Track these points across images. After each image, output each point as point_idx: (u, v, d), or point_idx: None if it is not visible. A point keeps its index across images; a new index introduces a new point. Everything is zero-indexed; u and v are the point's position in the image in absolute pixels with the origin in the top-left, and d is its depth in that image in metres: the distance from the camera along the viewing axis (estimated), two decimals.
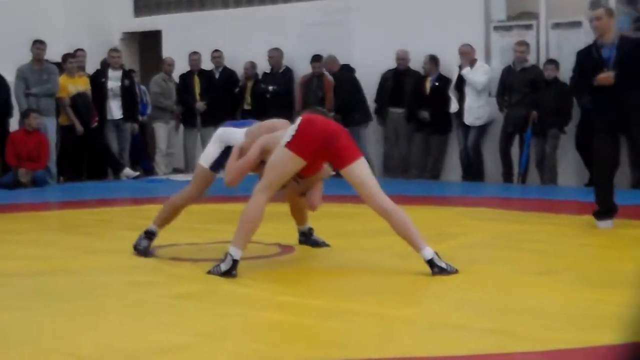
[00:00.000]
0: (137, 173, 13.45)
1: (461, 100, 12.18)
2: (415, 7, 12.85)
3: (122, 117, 13.41)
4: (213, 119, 14.01)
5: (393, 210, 5.73)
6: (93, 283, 5.62)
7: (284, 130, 5.94)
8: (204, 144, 13.70)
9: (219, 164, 6.34)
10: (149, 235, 6.41)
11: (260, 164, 5.93)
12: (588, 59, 7.73)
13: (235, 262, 5.58)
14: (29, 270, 6.04)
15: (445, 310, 4.74)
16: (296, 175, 5.88)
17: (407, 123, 12.89)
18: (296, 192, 6.26)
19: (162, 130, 13.93)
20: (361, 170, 5.76)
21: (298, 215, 6.79)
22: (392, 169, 13.08)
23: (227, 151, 6.25)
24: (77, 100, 12.89)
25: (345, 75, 13.15)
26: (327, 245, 6.75)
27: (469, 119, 12.15)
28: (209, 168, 6.34)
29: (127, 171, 13.28)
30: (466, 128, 12.25)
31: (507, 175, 11.96)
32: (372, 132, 13.23)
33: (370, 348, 4.05)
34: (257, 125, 6.34)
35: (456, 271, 5.60)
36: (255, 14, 14.56)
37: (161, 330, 4.39)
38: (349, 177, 5.78)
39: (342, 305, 4.89)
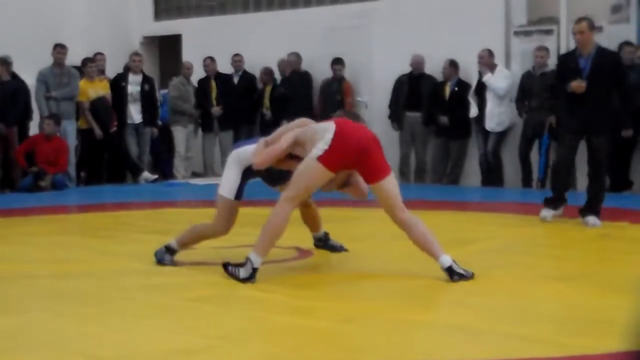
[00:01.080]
0: (156, 176, 13.48)
1: (482, 105, 12.15)
2: (435, 11, 12.83)
3: (141, 121, 13.45)
4: (231, 123, 14.08)
5: (415, 224, 5.74)
6: (113, 286, 5.64)
7: (313, 124, 5.89)
8: (222, 148, 13.82)
9: (242, 191, 6.10)
10: (170, 250, 6.28)
11: (288, 158, 5.88)
12: (566, 66, 8.28)
13: (254, 270, 5.58)
14: (49, 273, 6.07)
15: (464, 315, 4.73)
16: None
17: (425, 127, 12.88)
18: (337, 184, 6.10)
19: (181, 134, 13.96)
20: (388, 186, 5.71)
21: (311, 222, 6.70)
22: (408, 174, 13.07)
23: (247, 173, 6.09)
24: (97, 105, 12.94)
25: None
26: (345, 250, 6.75)
27: (490, 124, 12.12)
28: (234, 199, 6.07)
29: (146, 174, 13.32)
30: (486, 133, 12.21)
31: (527, 181, 11.92)
32: (387, 136, 13.22)
33: (389, 352, 4.05)
34: (282, 127, 6.19)
35: (473, 275, 5.59)
36: (275, 18, 14.58)
37: (181, 333, 4.40)
38: (377, 191, 5.75)
39: (361, 310, 4.89)
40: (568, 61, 8.30)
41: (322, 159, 5.56)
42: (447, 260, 5.62)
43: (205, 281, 5.69)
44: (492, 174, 12.24)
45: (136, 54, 13.95)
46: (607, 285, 5.50)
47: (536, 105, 11.73)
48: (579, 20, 8.30)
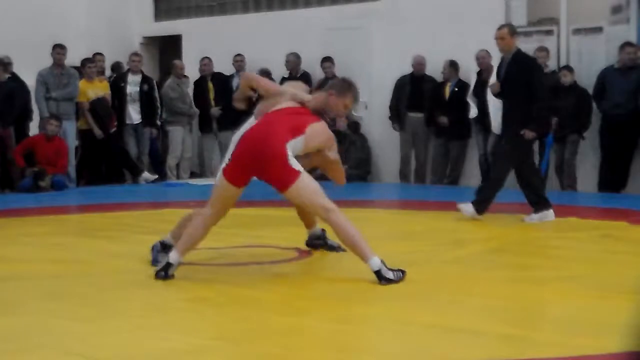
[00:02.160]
0: (156, 176, 13.48)
1: (483, 106, 12.14)
2: (435, 12, 12.84)
3: (140, 121, 13.45)
4: (230, 124, 14.06)
5: (343, 224, 5.60)
6: (113, 286, 5.64)
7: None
8: (222, 148, 13.82)
9: None
10: (165, 247, 6.24)
11: (305, 157, 5.84)
12: (498, 69, 8.89)
13: (168, 265, 5.63)
14: (48, 273, 6.07)
15: (464, 316, 4.73)
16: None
17: (427, 127, 12.89)
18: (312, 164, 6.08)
19: (177, 135, 13.93)
20: (300, 191, 5.56)
21: (306, 217, 6.60)
22: (408, 174, 13.08)
23: None
24: (96, 105, 12.94)
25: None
26: (343, 250, 6.72)
27: (495, 125, 12.12)
28: None
29: (146, 175, 13.31)
30: (486, 134, 12.21)
31: None
32: (387, 136, 13.24)
33: (388, 353, 4.05)
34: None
35: (403, 276, 5.51)
36: (276, 18, 14.59)
37: (180, 333, 4.40)
38: (290, 198, 5.69)
39: (360, 310, 4.90)
40: (500, 65, 8.80)
41: (224, 171, 5.62)
42: (376, 263, 5.49)
43: (204, 281, 5.69)
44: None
45: (135, 54, 13.96)
46: (607, 285, 5.49)
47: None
48: (501, 26, 8.71)
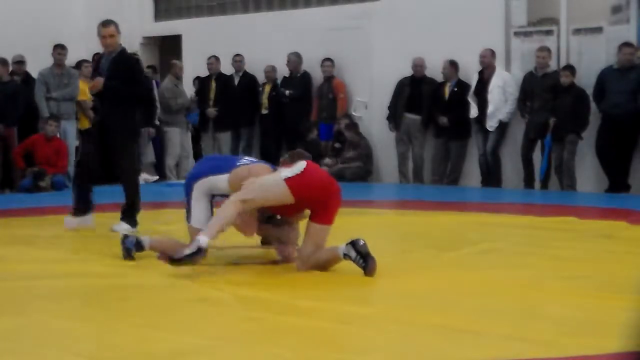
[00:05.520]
0: (156, 177, 13.47)
1: (482, 105, 12.15)
2: (435, 12, 12.84)
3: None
4: (230, 124, 14.06)
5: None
6: (112, 286, 5.64)
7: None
8: (220, 148, 13.85)
9: None
10: (138, 245, 6.39)
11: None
12: (94, 65, 8.64)
13: (200, 249, 5.66)
14: (48, 274, 6.06)
15: (465, 317, 4.73)
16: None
17: (424, 129, 12.91)
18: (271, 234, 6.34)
19: (175, 135, 13.92)
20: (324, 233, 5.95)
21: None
22: (406, 173, 13.10)
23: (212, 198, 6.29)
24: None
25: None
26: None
27: (490, 124, 12.15)
28: None
29: (145, 176, 13.30)
30: (485, 133, 12.22)
31: (529, 181, 11.92)
32: (387, 136, 13.25)
33: (389, 353, 4.04)
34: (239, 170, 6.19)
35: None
36: (276, 18, 14.59)
37: (181, 333, 4.40)
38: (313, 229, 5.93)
39: (362, 310, 4.89)
40: (96, 60, 8.65)
41: (288, 180, 5.79)
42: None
43: (205, 281, 5.68)
44: (490, 174, 12.25)
45: (134, 53, 13.93)
46: (607, 286, 5.50)
47: (538, 106, 11.74)
48: (107, 24, 8.46)
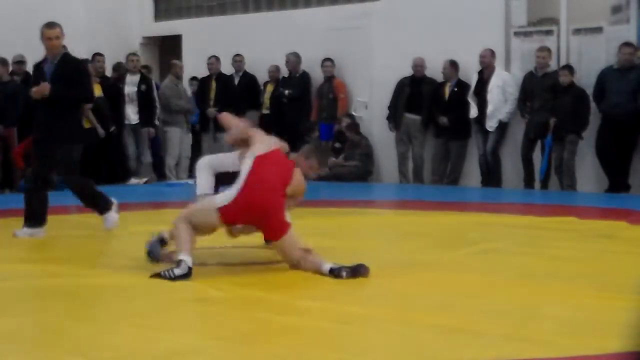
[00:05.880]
0: (145, 179, 13.48)
1: (482, 105, 12.15)
2: (435, 12, 12.84)
3: (138, 121, 13.45)
4: None
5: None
6: (113, 286, 5.64)
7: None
8: (221, 148, 13.84)
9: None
10: (162, 241, 6.36)
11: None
12: (36, 70, 8.23)
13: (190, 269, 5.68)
14: (48, 274, 6.06)
15: (465, 317, 4.73)
16: None
17: (424, 129, 12.91)
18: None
19: (175, 135, 13.92)
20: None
21: None
22: (406, 172, 13.10)
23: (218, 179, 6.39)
24: (99, 104, 12.96)
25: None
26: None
27: (490, 124, 12.16)
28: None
29: (134, 180, 13.32)
30: (485, 134, 12.23)
31: (529, 181, 11.92)
32: (387, 136, 13.26)
33: (389, 353, 4.04)
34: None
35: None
36: (276, 18, 14.59)
37: (182, 334, 4.40)
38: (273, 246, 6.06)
39: (362, 310, 4.89)
40: (38, 66, 8.23)
41: (222, 213, 5.82)
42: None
43: (204, 282, 5.68)
44: (490, 174, 12.26)
45: (133, 54, 13.97)
46: (607, 285, 5.50)
47: (538, 106, 11.74)
48: (53, 25, 8.16)
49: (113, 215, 8.13)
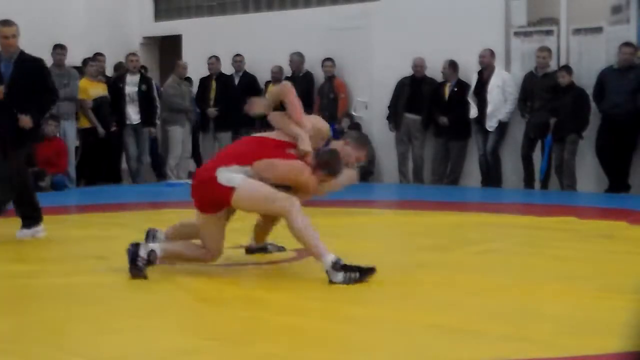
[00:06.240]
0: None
1: (481, 105, 12.15)
2: (435, 12, 12.85)
3: (139, 121, 13.46)
4: (230, 125, 14.05)
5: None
6: (112, 286, 5.64)
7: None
8: (219, 148, 13.83)
9: None
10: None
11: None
12: None
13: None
14: (47, 273, 6.06)
15: (463, 317, 4.72)
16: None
17: (424, 129, 12.92)
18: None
19: (177, 134, 13.92)
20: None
21: (261, 233, 6.59)
22: (406, 173, 13.11)
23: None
24: (100, 103, 12.97)
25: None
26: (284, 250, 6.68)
27: (490, 124, 12.16)
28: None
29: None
30: (485, 133, 12.23)
31: (529, 181, 11.93)
32: (387, 135, 13.26)
33: (388, 353, 4.04)
34: None
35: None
36: (276, 18, 14.59)
37: (181, 333, 4.40)
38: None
39: (361, 310, 4.89)
40: None
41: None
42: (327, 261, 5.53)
43: (204, 281, 5.68)
44: (490, 175, 12.26)
45: (133, 54, 13.97)
46: (607, 285, 5.49)
47: (538, 106, 11.75)
48: (9, 23, 7.95)
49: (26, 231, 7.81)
